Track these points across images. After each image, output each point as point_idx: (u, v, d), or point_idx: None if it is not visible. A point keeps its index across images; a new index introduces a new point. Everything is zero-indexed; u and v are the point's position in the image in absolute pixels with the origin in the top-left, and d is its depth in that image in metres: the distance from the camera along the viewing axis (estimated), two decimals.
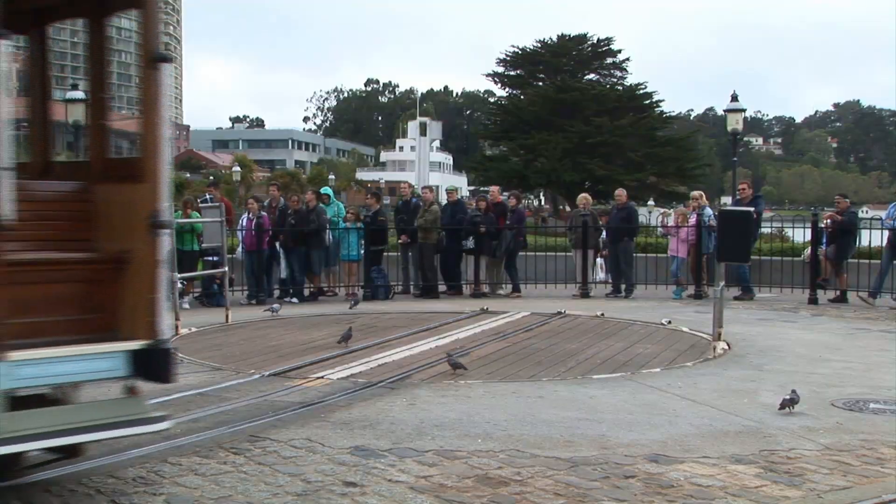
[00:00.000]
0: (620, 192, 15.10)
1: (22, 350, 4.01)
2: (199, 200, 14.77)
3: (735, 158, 18.68)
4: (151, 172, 4.36)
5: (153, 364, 4.41)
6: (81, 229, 4.62)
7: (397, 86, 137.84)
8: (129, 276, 4.49)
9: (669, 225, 15.02)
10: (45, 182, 4.76)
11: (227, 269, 11.92)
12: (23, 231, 4.19)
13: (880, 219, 13.83)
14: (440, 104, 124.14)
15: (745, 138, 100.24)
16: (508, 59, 51.22)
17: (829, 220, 13.89)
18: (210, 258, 13.21)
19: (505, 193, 15.50)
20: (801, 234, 16.57)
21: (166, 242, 4.42)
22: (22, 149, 4.42)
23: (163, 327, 4.41)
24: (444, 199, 19.48)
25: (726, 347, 9.13)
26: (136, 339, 4.39)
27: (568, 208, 36.45)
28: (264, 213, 13.83)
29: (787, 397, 6.32)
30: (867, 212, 35.88)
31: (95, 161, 4.71)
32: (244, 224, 13.79)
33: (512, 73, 51.71)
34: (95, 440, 4.56)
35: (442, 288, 14.35)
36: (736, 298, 13.33)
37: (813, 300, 13.21)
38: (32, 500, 4.40)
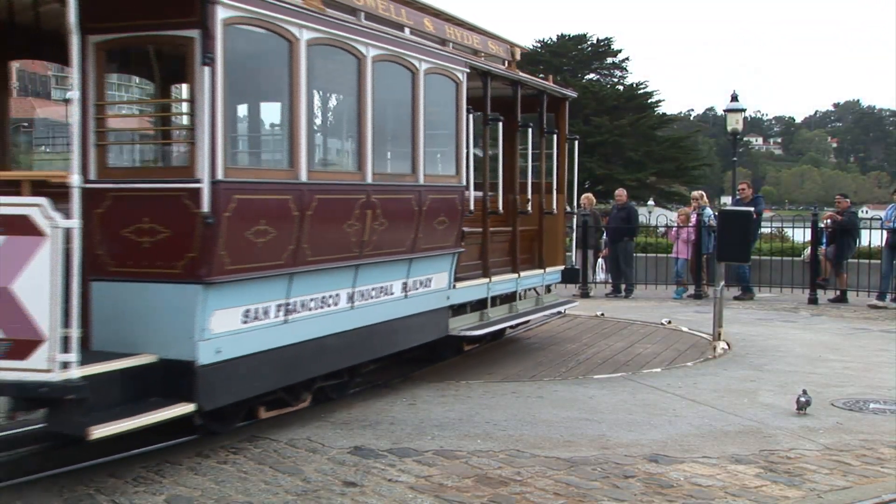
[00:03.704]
0: (620, 192, 15.10)
1: (508, 274, 8.55)
2: None
3: (735, 158, 18.70)
4: (563, 189, 9.65)
5: (569, 275, 10.17)
6: (506, 217, 8.60)
7: None
8: (550, 237, 9.43)
9: (672, 227, 15.01)
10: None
11: None
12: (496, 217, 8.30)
13: (880, 219, 13.82)
14: None
15: (745, 138, 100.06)
16: None
17: (828, 220, 13.89)
18: None
19: None
20: (801, 234, 16.55)
21: (572, 221, 11.08)
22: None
23: (573, 259, 10.53)
24: None
25: (726, 347, 9.14)
26: (559, 265, 9.69)
27: (568, 208, 36.35)
28: None
29: (802, 399, 6.30)
30: (867, 212, 35.85)
31: (510, 185, 8.89)
32: None
33: None
34: (550, 314, 9.85)
35: None
36: (736, 298, 13.33)
37: (813, 300, 13.21)
38: (32, 500, 4.40)
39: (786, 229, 18.31)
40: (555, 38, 50.34)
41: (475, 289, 7.86)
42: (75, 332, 4.13)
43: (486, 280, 8.02)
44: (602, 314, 11.55)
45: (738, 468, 5.02)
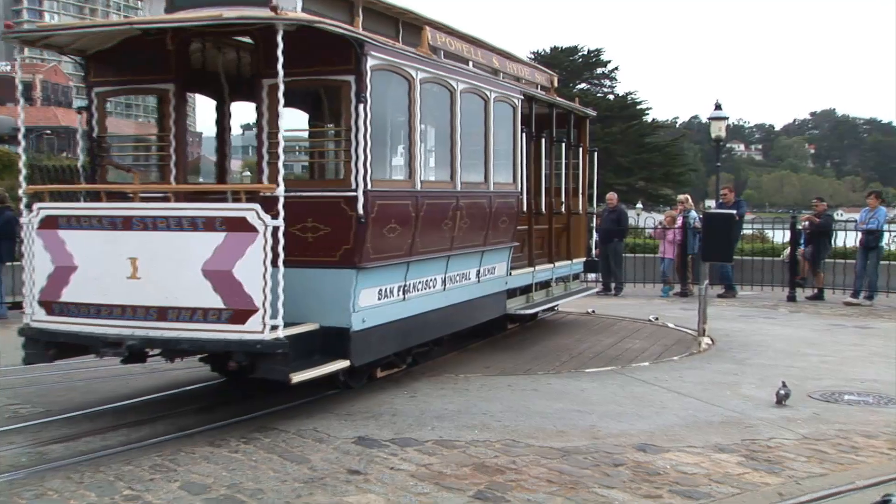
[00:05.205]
0: (612, 196, 15.37)
1: (546, 264, 10.15)
2: None
3: (718, 164, 19.05)
4: (585, 193, 11.19)
5: (590, 265, 11.81)
6: (544, 214, 10.01)
7: None
8: (576, 233, 10.98)
9: (658, 228, 15.32)
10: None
11: None
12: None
13: (855, 221, 14.22)
14: None
15: (728, 145, 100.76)
16: None
17: (806, 223, 14.27)
18: None
19: None
20: (780, 236, 16.90)
21: (592, 220, 12.34)
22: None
23: (592, 253, 11.98)
24: None
25: (710, 342, 9.36)
26: (582, 257, 11.33)
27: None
28: None
29: (782, 392, 6.53)
30: (842, 214, 36.37)
31: (548, 189, 10.29)
32: None
33: None
34: (574, 299, 11.01)
35: None
36: (719, 296, 13.63)
37: (792, 298, 13.54)
38: (55, 487, 4.56)
39: (766, 231, 18.66)
40: (548, 50, 50.56)
41: (524, 276, 9.42)
42: (281, 303, 5.37)
43: (532, 269, 9.62)
44: (593, 311, 11.80)
45: (722, 457, 5.19)
